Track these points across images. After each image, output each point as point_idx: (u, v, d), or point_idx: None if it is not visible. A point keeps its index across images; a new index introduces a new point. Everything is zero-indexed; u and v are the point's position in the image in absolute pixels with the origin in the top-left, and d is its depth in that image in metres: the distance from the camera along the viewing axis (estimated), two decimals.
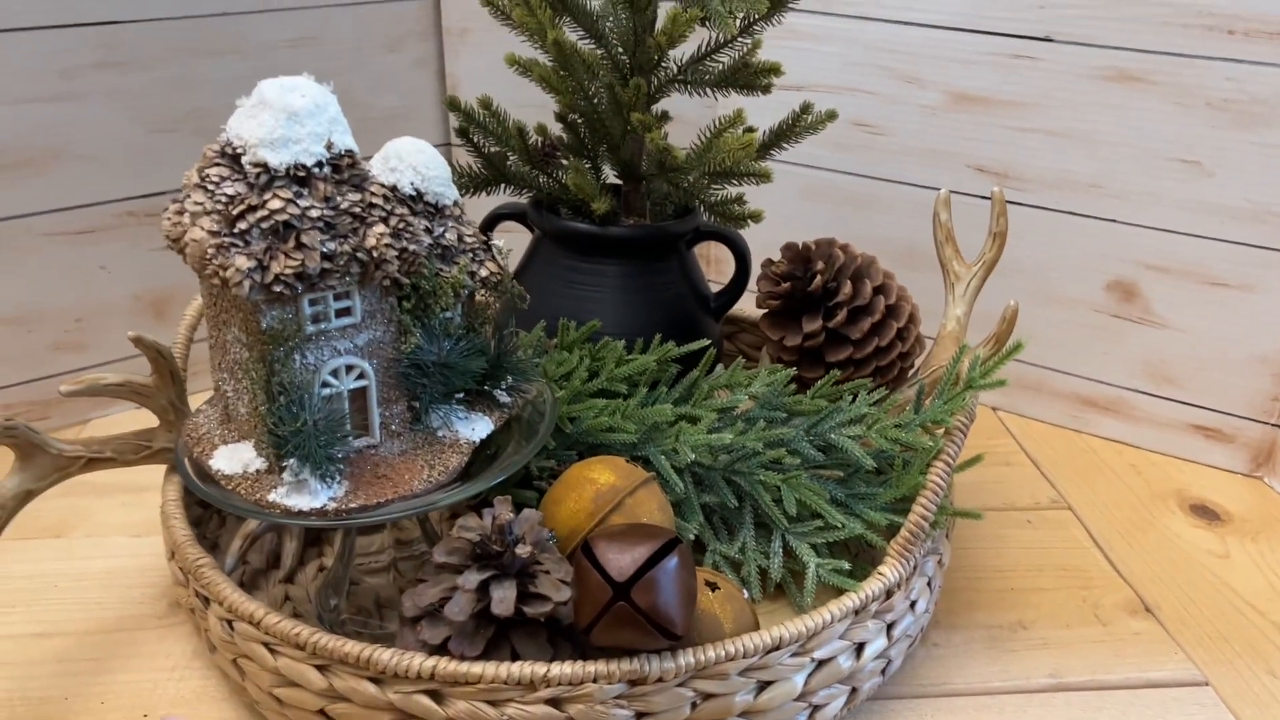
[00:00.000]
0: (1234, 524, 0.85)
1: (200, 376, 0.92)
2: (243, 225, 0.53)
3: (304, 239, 0.54)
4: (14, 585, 0.73)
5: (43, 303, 0.89)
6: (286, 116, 0.54)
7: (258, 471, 0.58)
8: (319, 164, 0.55)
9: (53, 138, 0.85)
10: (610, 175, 0.84)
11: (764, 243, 0.89)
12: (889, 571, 0.61)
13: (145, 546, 0.78)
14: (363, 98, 1.00)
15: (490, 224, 0.86)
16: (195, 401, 0.71)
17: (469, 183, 0.82)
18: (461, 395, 0.64)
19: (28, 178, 0.85)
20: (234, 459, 0.60)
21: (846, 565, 0.66)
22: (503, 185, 0.84)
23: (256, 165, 0.54)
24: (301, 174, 0.54)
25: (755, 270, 0.87)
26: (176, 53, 0.89)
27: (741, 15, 0.74)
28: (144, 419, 0.69)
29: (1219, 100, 0.83)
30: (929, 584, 0.66)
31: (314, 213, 0.54)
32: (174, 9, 0.87)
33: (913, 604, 0.64)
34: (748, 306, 0.92)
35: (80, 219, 0.88)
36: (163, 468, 0.71)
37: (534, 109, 0.87)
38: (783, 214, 0.95)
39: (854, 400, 0.72)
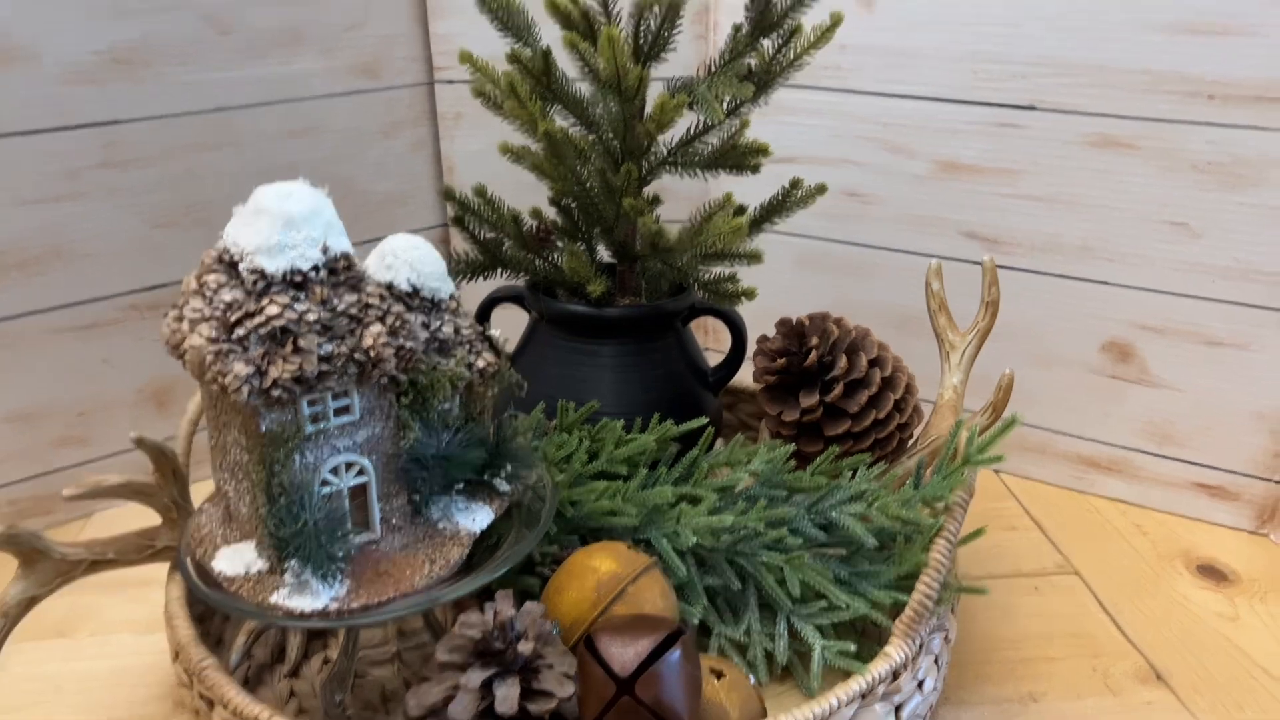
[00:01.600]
0: (1242, 584, 0.85)
1: (201, 465, 0.93)
2: (240, 331, 0.54)
3: (301, 343, 0.54)
4: (19, 688, 0.73)
5: (46, 398, 0.90)
6: (283, 223, 0.55)
7: (259, 573, 0.59)
8: (315, 268, 0.56)
9: (57, 237, 0.86)
10: (604, 254, 0.85)
11: (760, 309, 0.90)
12: (895, 652, 0.61)
13: (150, 644, 0.78)
14: (361, 184, 1.02)
15: (487, 307, 0.87)
16: (196, 489, 0.71)
17: (465, 268, 0.84)
18: (461, 486, 0.65)
19: (32, 276, 0.86)
20: (236, 560, 0.60)
21: (852, 647, 0.65)
22: (499, 269, 0.85)
23: (253, 272, 0.55)
24: (298, 279, 0.55)
25: (751, 343, 0.87)
26: (176, 149, 0.90)
27: (728, 99, 0.76)
28: (148, 513, 0.69)
29: (1203, 163, 0.84)
30: (936, 661, 0.66)
31: (311, 316, 0.55)
32: (173, 107, 0.89)
33: (920, 683, 0.64)
34: (746, 376, 0.92)
35: (84, 315, 0.89)
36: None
37: (528, 188, 0.88)
38: (778, 283, 0.96)
39: (854, 476, 0.72)
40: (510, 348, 0.75)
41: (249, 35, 0.91)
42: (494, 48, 0.81)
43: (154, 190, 0.90)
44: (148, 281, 0.92)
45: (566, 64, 0.77)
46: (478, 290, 0.87)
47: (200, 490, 0.71)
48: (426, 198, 1.07)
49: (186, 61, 0.89)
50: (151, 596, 0.83)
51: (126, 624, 0.81)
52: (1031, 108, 0.89)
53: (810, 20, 0.76)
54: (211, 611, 0.76)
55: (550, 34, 0.77)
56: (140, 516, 0.71)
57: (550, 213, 0.84)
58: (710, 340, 1.18)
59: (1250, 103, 0.81)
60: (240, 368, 0.53)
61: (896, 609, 0.65)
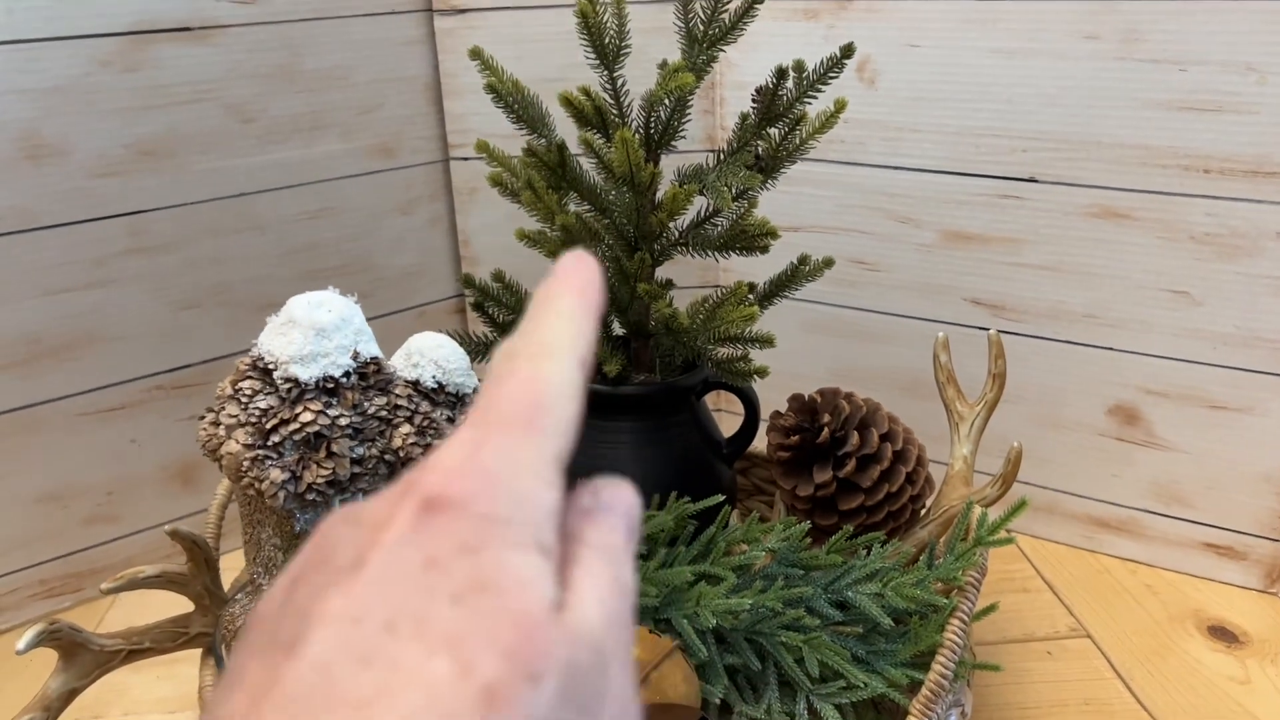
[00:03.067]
0: (1253, 645, 0.86)
1: (227, 538, 0.95)
2: (276, 438, 0.56)
3: (334, 447, 0.57)
4: None
5: (76, 479, 0.92)
6: (315, 333, 0.57)
7: None
8: (346, 374, 0.58)
9: (85, 323, 0.89)
10: (617, 327, 0.87)
11: (771, 373, 0.92)
12: None
13: None
14: (380, 260, 1.05)
15: None
16: (224, 561, 0.73)
17: (485, 351, 0.86)
18: None
19: (62, 363, 0.88)
20: None
21: None
22: None
23: (287, 380, 0.57)
24: (330, 385, 0.57)
25: (764, 412, 0.89)
26: (200, 234, 0.93)
27: (736, 186, 0.78)
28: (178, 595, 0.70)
29: (1201, 234, 0.86)
30: None
31: (343, 421, 0.57)
32: (197, 194, 0.92)
33: None
34: (759, 442, 0.94)
35: (111, 397, 0.92)
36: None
37: (544, 259, 0.90)
38: (786, 348, 0.98)
39: (868, 553, 0.74)
40: None
41: (270, 123, 0.94)
42: (506, 125, 0.84)
43: (178, 274, 0.93)
44: (173, 363, 0.95)
45: (578, 146, 0.79)
46: None
47: (229, 562, 0.73)
48: (443, 270, 1.10)
49: (209, 150, 0.92)
50: (179, 674, 0.85)
51: (157, 704, 0.82)
52: (1033, 180, 0.92)
53: (815, 106, 0.78)
54: None
55: (563, 114, 0.80)
56: (167, 595, 0.72)
57: None
58: (723, 402, 1.20)
59: (1245, 177, 0.83)
60: (276, 474, 0.55)
61: (914, 687, 0.66)
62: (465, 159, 1.07)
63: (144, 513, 0.96)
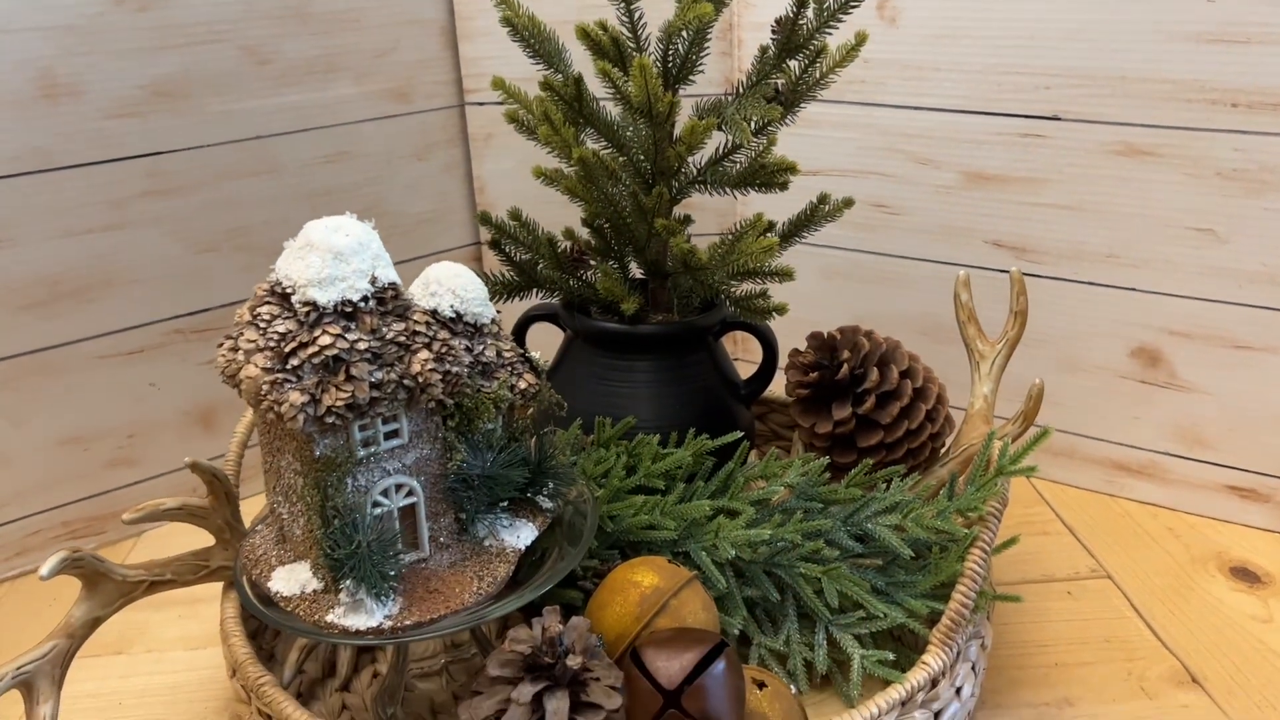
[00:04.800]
0: (1276, 585, 0.85)
1: (248, 482, 0.95)
2: (295, 361, 0.56)
3: (353, 371, 0.56)
4: (80, 705, 0.75)
5: (97, 422, 0.92)
6: (332, 256, 0.57)
7: (314, 592, 0.61)
8: (365, 299, 0.58)
9: (104, 265, 0.89)
10: (636, 270, 0.87)
11: (788, 319, 0.91)
12: (933, 660, 0.62)
13: (204, 659, 0.80)
14: (395, 206, 1.04)
15: (524, 325, 0.89)
16: (244, 505, 0.73)
17: (502, 290, 0.85)
18: (505, 503, 0.67)
19: (81, 305, 0.89)
20: (291, 580, 0.62)
21: (891, 656, 0.67)
22: (534, 289, 0.87)
23: (306, 304, 0.57)
24: (349, 309, 0.57)
25: (781, 355, 0.89)
26: (217, 176, 0.93)
27: (755, 120, 0.78)
28: (194, 531, 0.71)
29: (1228, 170, 0.85)
30: (973, 668, 0.67)
31: (361, 345, 0.57)
32: (214, 136, 0.92)
33: (958, 690, 0.65)
34: (776, 387, 0.94)
35: (131, 340, 0.92)
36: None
37: (557, 203, 0.90)
38: (805, 293, 0.98)
39: (888, 487, 0.74)
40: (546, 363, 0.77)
41: (285, 65, 0.94)
42: (522, 69, 0.83)
43: (195, 217, 0.93)
44: (192, 306, 0.95)
45: (595, 83, 0.78)
46: (513, 308, 0.89)
47: (248, 508, 0.73)
48: (459, 217, 1.10)
49: (225, 92, 0.91)
50: (200, 613, 0.86)
51: (179, 640, 0.83)
52: (1055, 118, 0.90)
53: (835, 40, 0.77)
54: (263, 627, 0.78)
55: (579, 52, 0.79)
56: (188, 534, 0.73)
57: (582, 232, 0.86)
58: (740, 350, 1.20)
59: (1274, 110, 0.81)
60: (295, 396, 0.55)
61: (933, 617, 0.66)
62: (481, 104, 1.06)
63: (164, 456, 0.96)
